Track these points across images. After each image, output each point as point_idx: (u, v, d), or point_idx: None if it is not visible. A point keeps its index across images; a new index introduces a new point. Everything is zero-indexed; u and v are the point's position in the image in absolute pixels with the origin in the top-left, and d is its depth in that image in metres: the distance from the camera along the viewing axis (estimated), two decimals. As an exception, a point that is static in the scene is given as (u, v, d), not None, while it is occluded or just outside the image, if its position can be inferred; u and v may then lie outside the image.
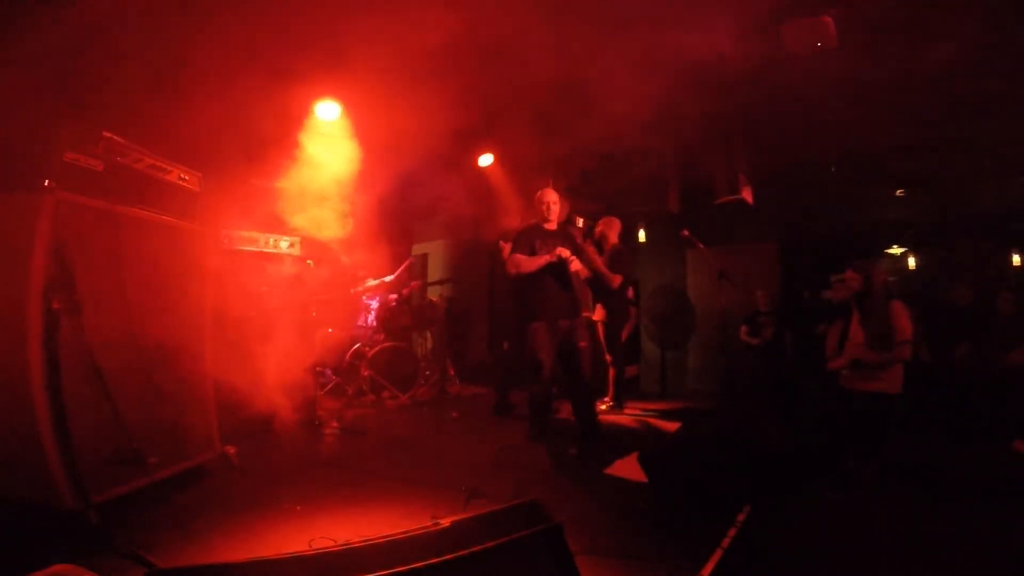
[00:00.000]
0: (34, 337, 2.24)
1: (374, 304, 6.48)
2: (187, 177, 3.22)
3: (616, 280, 5.13)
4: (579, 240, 4.45)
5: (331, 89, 4.68)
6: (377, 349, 5.63)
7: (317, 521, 2.55)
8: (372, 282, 6.10)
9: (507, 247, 4.59)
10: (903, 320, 3.47)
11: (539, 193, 4.17)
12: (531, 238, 4.08)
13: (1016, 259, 6.92)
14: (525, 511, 1.88)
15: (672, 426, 4.77)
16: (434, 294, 8.05)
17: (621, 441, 4.10)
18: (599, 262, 5.05)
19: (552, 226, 4.15)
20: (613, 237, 5.40)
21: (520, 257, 4.01)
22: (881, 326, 3.51)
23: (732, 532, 2.45)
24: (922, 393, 4.50)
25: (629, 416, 5.16)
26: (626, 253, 5.48)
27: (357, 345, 5.88)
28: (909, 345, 3.43)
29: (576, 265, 3.95)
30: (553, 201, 4.11)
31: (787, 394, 5.38)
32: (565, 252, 3.88)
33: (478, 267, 8.10)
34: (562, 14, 3.61)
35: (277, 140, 4.65)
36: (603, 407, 5.21)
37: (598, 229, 5.49)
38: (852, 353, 3.67)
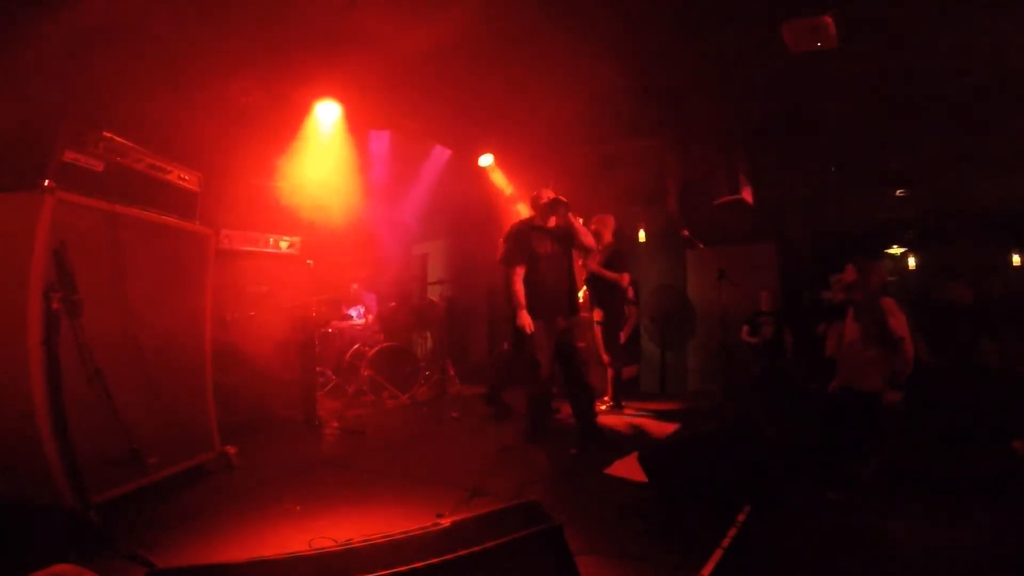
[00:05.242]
0: (34, 337, 2.24)
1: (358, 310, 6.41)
2: (187, 177, 3.22)
3: (624, 278, 5.09)
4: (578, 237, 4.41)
5: (332, 89, 4.68)
6: (377, 349, 5.62)
7: (317, 521, 2.55)
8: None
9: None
10: (898, 317, 3.44)
11: (539, 192, 4.13)
12: (527, 239, 4.00)
13: (1016, 259, 6.93)
14: (525, 511, 1.87)
15: (671, 426, 4.76)
16: (434, 294, 8.05)
17: (621, 441, 4.10)
18: (595, 265, 5.01)
19: (551, 225, 4.10)
20: (608, 236, 5.30)
21: (516, 282, 3.91)
22: (874, 323, 3.50)
23: (732, 532, 2.45)
24: (921, 393, 4.50)
25: (628, 416, 5.15)
26: (623, 251, 5.45)
27: (357, 345, 5.87)
28: (908, 341, 3.42)
29: (558, 218, 3.97)
30: None
31: (787, 394, 5.37)
32: (553, 194, 3.91)
33: (478, 267, 8.09)
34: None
35: (277, 140, 4.65)
36: (602, 407, 5.20)
37: (592, 228, 5.38)
38: (846, 352, 3.68)
